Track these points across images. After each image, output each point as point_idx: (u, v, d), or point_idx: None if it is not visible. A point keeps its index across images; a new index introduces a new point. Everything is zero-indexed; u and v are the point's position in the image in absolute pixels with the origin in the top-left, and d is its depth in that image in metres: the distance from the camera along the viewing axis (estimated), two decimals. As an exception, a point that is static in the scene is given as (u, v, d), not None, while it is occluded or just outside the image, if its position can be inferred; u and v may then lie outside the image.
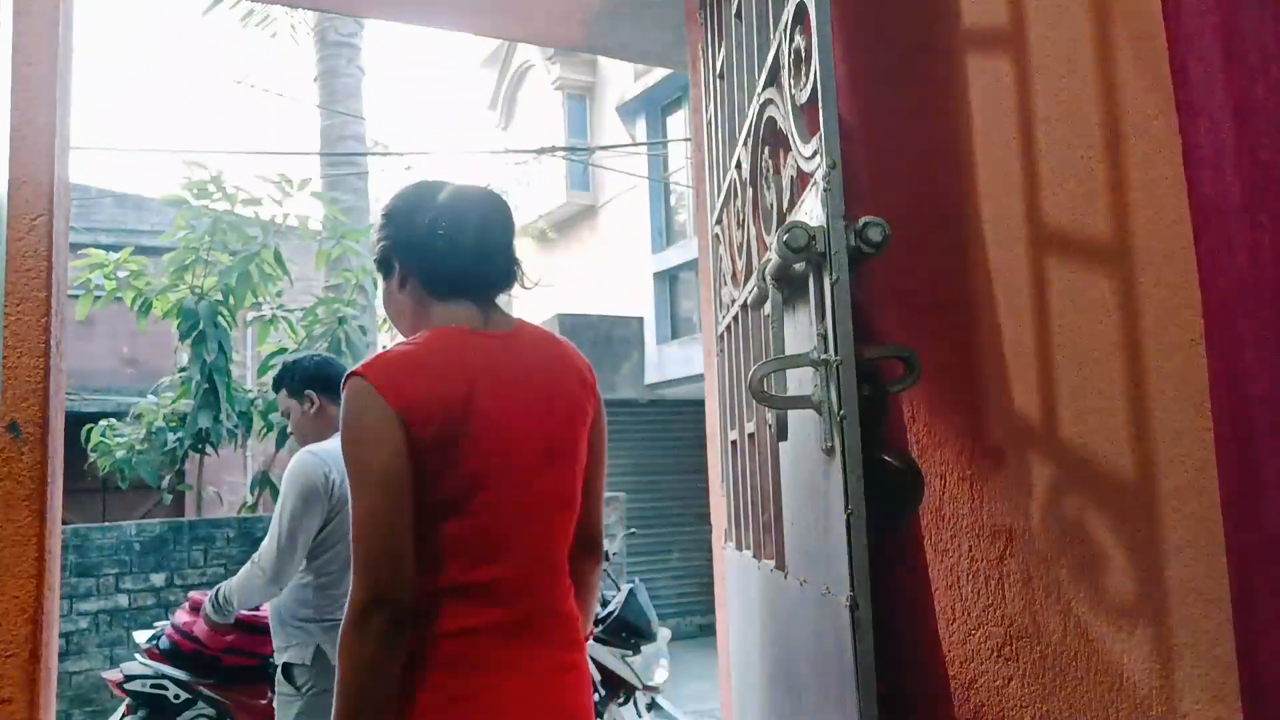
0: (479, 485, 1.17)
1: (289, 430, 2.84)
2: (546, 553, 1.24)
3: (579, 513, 1.32)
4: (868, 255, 1.12)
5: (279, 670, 2.47)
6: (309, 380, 2.69)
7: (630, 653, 4.22)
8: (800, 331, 1.31)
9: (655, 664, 4.36)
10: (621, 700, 4.24)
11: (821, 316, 1.17)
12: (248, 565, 2.50)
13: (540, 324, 1.42)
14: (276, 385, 2.77)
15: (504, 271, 1.32)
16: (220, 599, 2.56)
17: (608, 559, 4.79)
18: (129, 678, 3.71)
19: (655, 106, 11.08)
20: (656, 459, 9.32)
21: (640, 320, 9.87)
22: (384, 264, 1.35)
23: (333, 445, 2.57)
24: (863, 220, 1.11)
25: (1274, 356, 0.94)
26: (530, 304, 14.39)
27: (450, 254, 1.26)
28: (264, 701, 3.58)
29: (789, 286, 1.37)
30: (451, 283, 1.29)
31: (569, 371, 1.33)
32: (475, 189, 1.31)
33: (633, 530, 6.71)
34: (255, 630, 3.36)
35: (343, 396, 1.18)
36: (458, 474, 1.16)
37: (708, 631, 8.59)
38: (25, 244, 1.79)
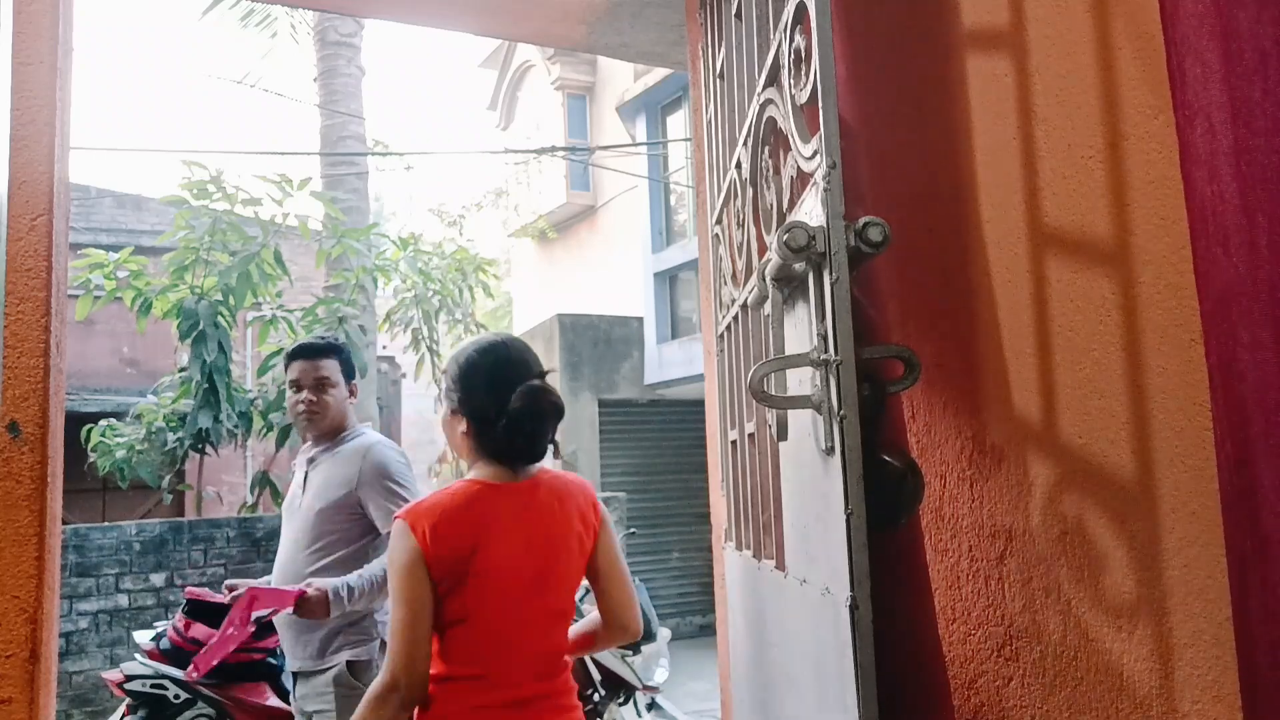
0: (475, 610, 1.57)
1: (311, 403, 2.57)
2: (539, 651, 1.62)
3: (604, 602, 1.74)
4: (868, 255, 1.12)
5: (340, 670, 2.44)
6: (354, 371, 2.69)
7: (630, 653, 4.22)
8: (800, 331, 1.31)
9: (655, 664, 4.36)
10: (621, 700, 4.24)
11: (821, 316, 1.17)
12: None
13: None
14: (334, 353, 2.63)
15: (540, 454, 1.69)
16: (347, 592, 2.35)
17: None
18: (129, 678, 3.71)
19: (655, 106, 11.07)
20: (656, 459, 9.32)
21: (640, 320, 9.86)
22: (453, 407, 1.70)
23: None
24: (863, 220, 1.11)
25: (1271, 355, 0.94)
26: (531, 305, 14.39)
27: (505, 440, 1.62)
28: (263, 701, 3.58)
29: (789, 286, 1.37)
30: (496, 456, 1.65)
31: (570, 511, 1.68)
32: (544, 390, 1.63)
33: (633, 530, 6.71)
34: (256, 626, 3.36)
35: (393, 533, 1.58)
36: (460, 601, 1.56)
37: (708, 631, 8.58)
38: (25, 244, 1.79)
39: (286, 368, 2.69)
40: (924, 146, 1.47)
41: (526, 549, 1.61)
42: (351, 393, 2.67)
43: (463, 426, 1.67)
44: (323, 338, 2.73)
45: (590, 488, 1.78)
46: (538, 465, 1.71)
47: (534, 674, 1.61)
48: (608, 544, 1.74)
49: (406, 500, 2.50)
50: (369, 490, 2.51)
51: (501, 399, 1.60)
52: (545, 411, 1.62)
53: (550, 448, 1.68)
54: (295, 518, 2.59)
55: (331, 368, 2.61)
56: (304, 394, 2.60)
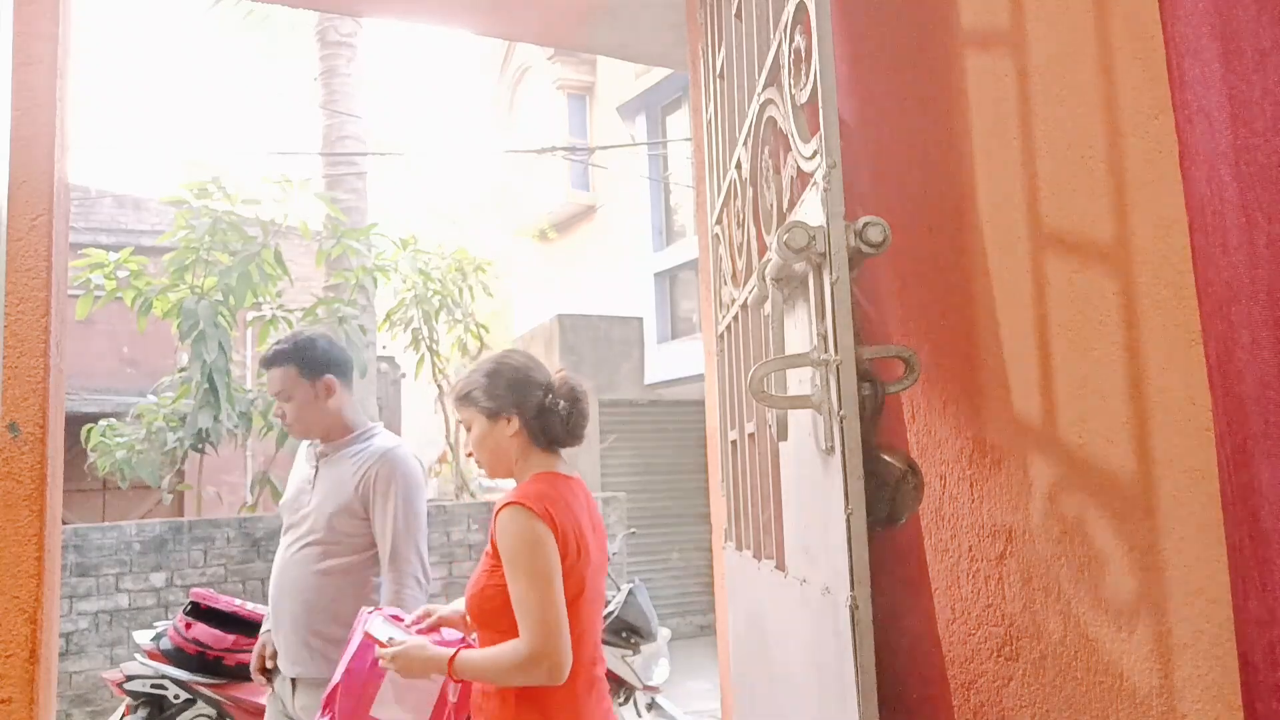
0: (580, 592, 1.71)
1: (283, 416, 2.50)
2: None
3: None
4: (868, 255, 1.12)
5: None
6: (329, 364, 2.49)
7: (630, 653, 4.23)
8: (800, 331, 1.31)
9: (655, 664, 4.36)
10: (622, 700, 4.24)
11: (821, 316, 1.17)
12: (410, 585, 2.36)
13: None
14: (282, 360, 2.46)
15: (583, 435, 1.89)
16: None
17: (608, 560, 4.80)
18: (129, 678, 3.72)
19: (655, 106, 11.07)
20: (656, 459, 9.31)
21: (640, 320, 9.86)
22: (494, 413, 1.82)
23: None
24: (863, 220, 1.11)
25: (1271, 355, 0.94)
26: (531, 305, 14.38)
27: (564, 420, 1.82)
28: (263, 701, 3.58)
29: (789, 286, 1.37)
30: (553, 440, 1.84)
31: (594, 502, 1.88)
32: (573, 377, 1.89)
33: (633, 530, 6.71)
34: (255, 628, 3.35)
35: (511, 517, 1.65)
36: (570, 584, 1.68)
37: (708, 631, 8.58)
38: (25, 244, 1.79)
39: None
40: (924, 146, 1.47)
41: (595, 538, 1.81)
42: (328, 389, 2.49)
43: (512, 428, 1.81)
44: (273, 345, 2.54)
45: None
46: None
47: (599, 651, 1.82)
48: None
49: (411, 517, 2.42)
50: (377, 495, 2.41)
51: (550, 387, 1.83)
52: (583, 394, 1.85)
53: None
54: (300, 516, 2.46)
55: (279, 376, 2.46)
56: (275, 406, 2.56)
